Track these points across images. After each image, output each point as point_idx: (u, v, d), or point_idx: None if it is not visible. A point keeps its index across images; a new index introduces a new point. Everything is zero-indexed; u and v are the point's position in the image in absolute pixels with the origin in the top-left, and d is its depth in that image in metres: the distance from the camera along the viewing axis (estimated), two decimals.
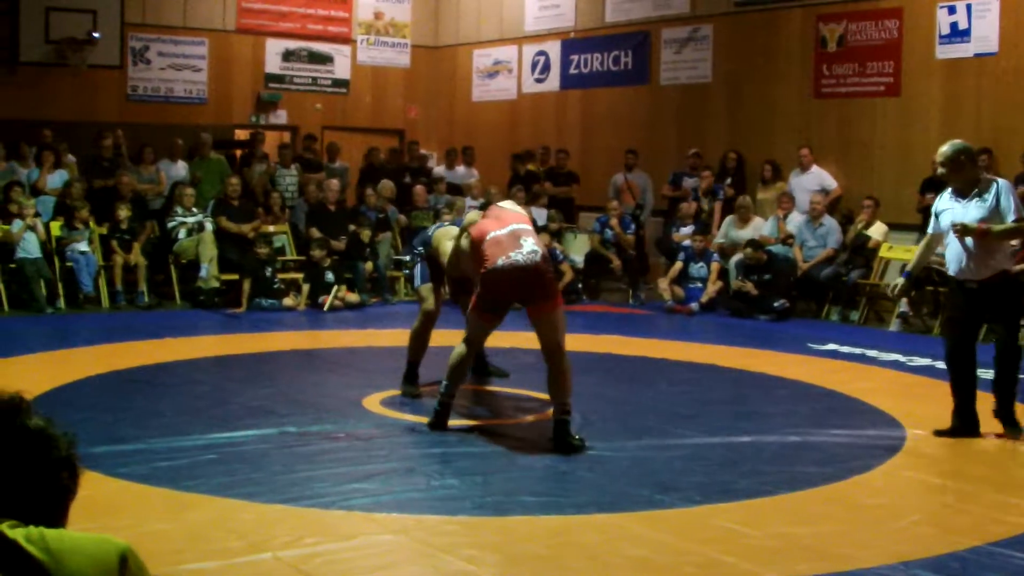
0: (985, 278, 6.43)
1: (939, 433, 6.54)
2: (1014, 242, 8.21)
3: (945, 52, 12.18)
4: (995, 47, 11.78)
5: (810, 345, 9.90)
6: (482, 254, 6.37)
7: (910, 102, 12.52)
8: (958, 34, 12.05)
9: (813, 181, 12.76)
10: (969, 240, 6.41)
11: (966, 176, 6.52)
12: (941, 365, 8.86)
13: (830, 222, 12.22)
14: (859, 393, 7.84)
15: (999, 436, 6.52)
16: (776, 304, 11.72)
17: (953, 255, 6.55)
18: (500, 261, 6.25)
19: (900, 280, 6.96)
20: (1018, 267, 8.75)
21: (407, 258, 7.84)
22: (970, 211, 6.44)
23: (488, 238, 6.41)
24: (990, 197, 6.43)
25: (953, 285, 6.66)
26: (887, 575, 4.25)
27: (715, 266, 12.48)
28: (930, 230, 6.80)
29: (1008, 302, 6.54)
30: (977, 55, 11.92)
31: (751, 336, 10.64)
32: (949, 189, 6.65)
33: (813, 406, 7.46)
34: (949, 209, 6.56)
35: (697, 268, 12.66)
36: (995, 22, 11.76)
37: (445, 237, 7.37)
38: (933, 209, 6.79)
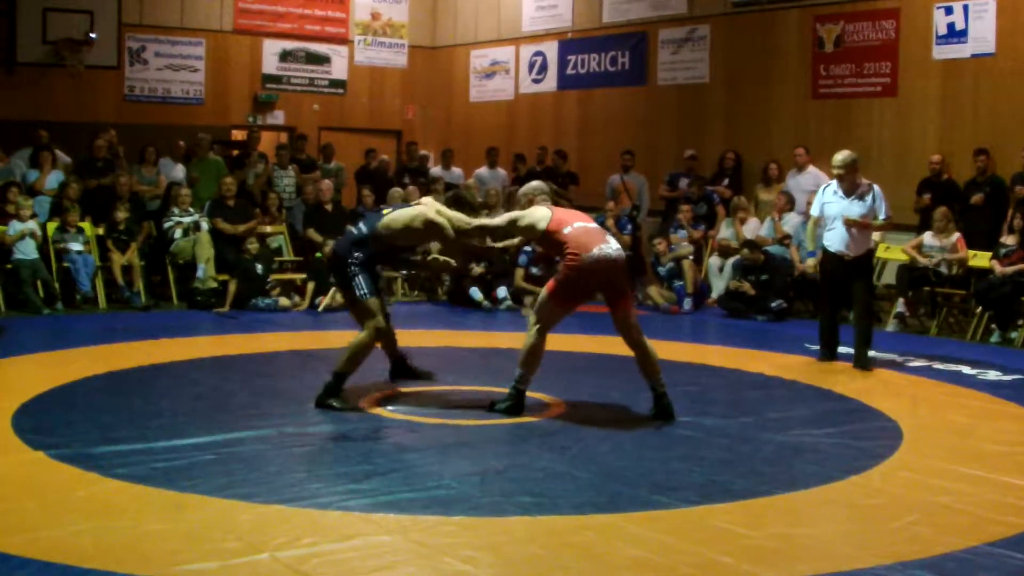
0: (859, 254, 8.76)
1: (820, 360, 8.99)
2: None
3: (942, 52, 12.20)
4: (992, 48, 11.80)
5: (807, 345, 9.90)
6: (566, 243, 6.44)
7: (907, 103, 12.54)
8: (955, 34, 12.06)
9: (810, 181, 12.75)
10: (853, 229, 8.66)
11: (853, 179, 8.68)
12: (939, 365, 8.99)
13: None
14: (856, 393, 7.85)
15: (854, 367, 8.72)
16: (773, 304, 11.73)
17: (838, 237, 8.74)
18: (595, 251, 6.41)
19: (810, 260, 9.60)
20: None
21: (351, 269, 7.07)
22: (854, 207, 8.68)
23: (575, 226, 6.53)
24: (869, 199, 8.68)
25: (833, 256, 8.79)
26: (884, 575, 4.26)
27: (687, 264, 12.49)
28: (814, 213, 9.07)
29: (867, 269, 9.09)
30: (974, 55, 11.93)
31: (748, 336, 10.64)
32: (835, 186, 8.77)
33: (810, 406, 7.47)
34: (835, 203, 8.72)
35: (665, 270, 12.72)
36: (992, 23, 11.77)
37: (402, 215, 7.05)
38: (819, 199, 8.97)
